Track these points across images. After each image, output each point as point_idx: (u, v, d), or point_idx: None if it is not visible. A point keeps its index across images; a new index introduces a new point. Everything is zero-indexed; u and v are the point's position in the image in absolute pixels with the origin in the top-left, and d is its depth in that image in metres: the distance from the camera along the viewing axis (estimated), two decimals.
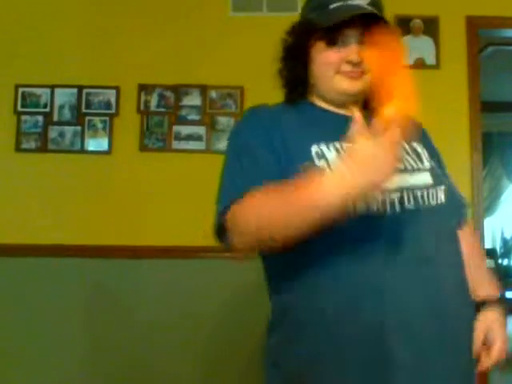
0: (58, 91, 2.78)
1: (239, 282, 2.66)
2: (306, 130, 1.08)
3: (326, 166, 1.01)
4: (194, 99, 2.78)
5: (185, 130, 2.77)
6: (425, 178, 1.07)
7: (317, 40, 1.10)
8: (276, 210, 0.92)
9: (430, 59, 2.81)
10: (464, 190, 2.75)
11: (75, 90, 2.78)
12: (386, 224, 0.96)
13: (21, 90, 2.78)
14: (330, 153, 1.03)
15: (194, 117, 2.78)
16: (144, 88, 2.78)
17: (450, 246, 1.06)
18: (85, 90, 2.78)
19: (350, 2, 1.09)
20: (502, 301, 1.10)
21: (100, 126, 2.77)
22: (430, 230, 1.02)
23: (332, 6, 1.10)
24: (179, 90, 2.78)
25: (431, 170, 1.09)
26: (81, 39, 2.82)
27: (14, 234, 2.70)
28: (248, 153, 1.07)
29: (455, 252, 1.08)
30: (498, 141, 6.44)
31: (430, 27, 2.82)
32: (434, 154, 1.22)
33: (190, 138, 2.76)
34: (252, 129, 1.12)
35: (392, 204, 0.99)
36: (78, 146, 2.76)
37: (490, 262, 4.54)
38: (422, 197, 1.03)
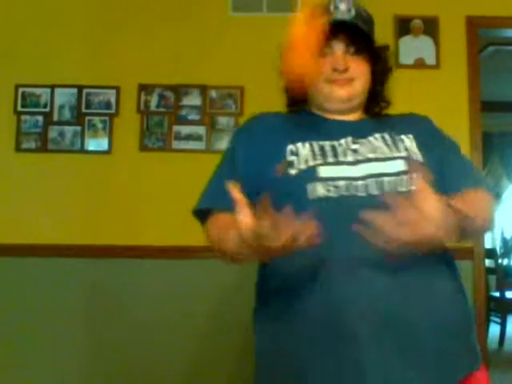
0: (57, 91, 2.78)
1: (239, 282, 2.66)
2: (291, 132, 1.16)
3: (295, 160, 1.10)
4: (194, 99, 2.78)
5: (185, 129, 2.77)
6: (396, 166, 1.09)
7: None
8: (218, 236, 1.07)
9: (430, 59, 2.81)
10: None
11: (75, 90, 2.78)
12: (353, 209, 0.94)
13: (21, 89, 2.78)
14: (304, 149, 1.11)
15: (194, 117, 2.78)
16: (144, 88, 2.78)
17: None
18: (85, 90, 2.78)
19: (334, 17, 1.16)
20: (464, 214, 0.97)
21: (100, 125, 2.78)
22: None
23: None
24: (179, 90, 2.78)
25: (407, 159, 1.10)
26: (81, 39, 2.82)
27: (14, 233, 2.70)
28: (229, 159, 1.20)
29: None
30: (498, 141, 6.44)
31: (430, 27, 2.82)
32: (433, 144, 1.24)
33: (189, 137, 2.76)
34: (241, 136, 1.24)
35: (358, 190, 1.05)
36: (77, 146, 2.76)
37: (490, 262, 4.55)
38: (389, 183, 1.07)
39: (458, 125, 2.79)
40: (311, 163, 1.09)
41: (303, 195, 1.05)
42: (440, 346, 1.01)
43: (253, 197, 0.90)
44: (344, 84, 1.16)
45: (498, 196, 1.19)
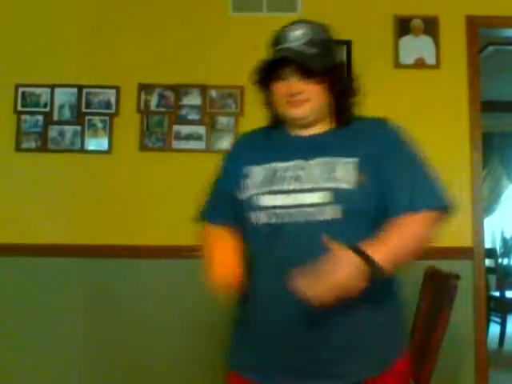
0: (57, 91, 2.78)
1: None
2: (256, 154, 1.38)
3: (249, 183, 1.33)
4: (193, 99, 2.78)
5: (185, 129, 2.77)
6: (321, 197, 1.26)
7: (268, 78, 1.34)
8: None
9: (430, 59, 2.81)
10: (464, 190, 2.76)
11: (75, 90, 2.78)
12: (280, 234, 1.26)
13: (21, 89, 2.78)
14: (256, 173, 1.34)
15: (193, 117, 2.78)
16: (144, 88, 2.78)
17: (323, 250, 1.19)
18: (85, 90, 2.78)
19: (284, 45, 1.32)
20: (370, 261, 1.13)
21: (100, 125, 2.77)
22: (312, 238, 1.23)
23: (275, 49, 1.34)
24: (179, 90, 2.78)
25: (335, 190, 1.26)
26: (81, 39, 2.82)
27: (14, 233, 2.71)
28: (218, 177, 1.48)
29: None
30: (498, 141, 6.44)
31: (430, 27, 2.82)
32: (385, 164, 1.33)
33: (189, 137, 2.76)
34: (227, 156, 1.48)
35: (284, 218, 1.27)
36: (77, 146, 2.76)
37: (490, 262, 4.55)
38: (314, 213, 1.25)
39: (457, 125, 2.79)
40: (257, 191, 1.31)
41: (250, 220, 1.31)
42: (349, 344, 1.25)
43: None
44: (299, 105, 1.31)
45: (447, 207, 1.24)
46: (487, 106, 3.44)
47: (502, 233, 6.54)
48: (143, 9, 2.83)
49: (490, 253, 4.72)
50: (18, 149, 2.76)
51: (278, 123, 1.41)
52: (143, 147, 2.76)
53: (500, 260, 5.29)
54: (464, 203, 2.75)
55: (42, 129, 2.76)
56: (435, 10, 2.83)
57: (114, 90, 2.78)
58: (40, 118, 2.77)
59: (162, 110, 2.78)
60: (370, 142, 1.34)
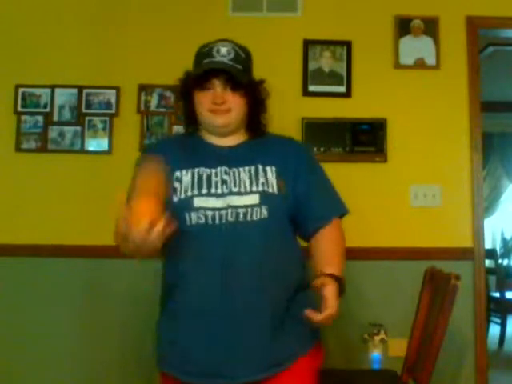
0: (58, 91, 2.78)
1: None
2: (181, 159, 1.47)
3: (178, 187, 1.41)
4: None
5: None
6: (251, 199, 1.40)
7: (194, 87, 1.49)
8: None
9: (430, 59, 2.81)
10: (464, 190, 2.77)
11: (75, 90, 2.78)
12: (212, 234, 1.38)
13: (21, 90, 2.78)
14: (186, 177, 1.43)
15: None
16: (144, 88, 2.78)
17: (252, 248, 1.38)
18: (85, 90, 2.78)
19: (214, 59, 1.49)
20: (339, 280, 1.36)
21: (100, 126, 2.77)
22: (243, 237, 1.38)
23: (204, 62, 1.51)
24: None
25: (262, 193, 1.40)
26: (81, 39, 2.82)
27: (14, 233, 2.71)
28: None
29: (263, 249, 1.39)
30: (498, 141, 6.44)
31: (430, 27, 2.82)
32: (294, 173, 1.48)
33: None
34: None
35: (222, 218, 1.38)
36: (78, 146, 2.76)
37: (490, 263, 4.55)
38: (244, 213, 1.38)
39: (458, 125, 2.79)
40: (189, 193, 1.40)
41: (183, 221, 1.37)
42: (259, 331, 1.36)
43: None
44: (222, 114, 1.44)
45: (346, 212, 1.41)
46: (487, 106, 3.44)
47: (502, 233, 6.55)
48: (143, 9, 2.83)
49: (490, 253, 4.72)
50: (18, 149, 2.76)
51: (192, 131, 1.55)
52: (143, 147, 2.76)
53: (500, 261, 5.30)
54: (464, 203, 2.76)
55: (42, 129, 2.76)
56: (435, 10, 2.83)
57: (114, 91, 2.78)
58: (40, 118, 2.77)
59: (162, 110, 2.78)
60: (286, 154, 1.49)
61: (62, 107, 2.78)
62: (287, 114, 2.76)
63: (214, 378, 1.35)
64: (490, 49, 4.26)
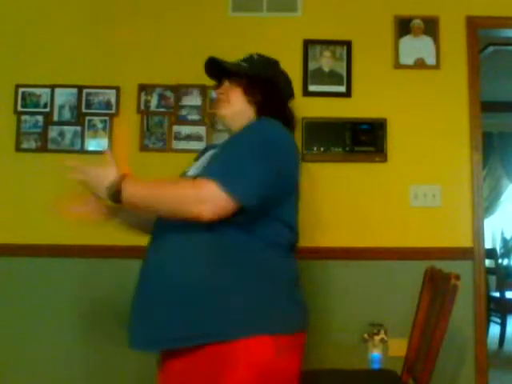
0: (58, 91, 2.78)
1: None
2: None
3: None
4: (193, 99, 2.78)
5: (185, 130, 2.77)
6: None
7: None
8: None
9: (430, 59, 2.81)
10: (464, 190, 2.77)
11: (75, 90, 2.78)
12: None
13: (21, 90, 2.78)
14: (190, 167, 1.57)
15: (193, 117, 2.78)
16: (144, 88, 2.78)
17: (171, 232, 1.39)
18: (85, 90, 2.78)
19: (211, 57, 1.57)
20: (119, 182, 1.35)
21: (100, 126, 2.77)
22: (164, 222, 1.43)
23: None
24: (179, 90, 2.78)
25: (193, 177, 1.43)
26: (81, 39, 2.82)
27: (14, 233, 2.71)
28: None
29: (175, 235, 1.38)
30: (498, 141, 6.44)
31: (430, 27, 2.82)
32: (222, 148, 1.46)
33: (189, 138, 2.76)
34: None
35: None
36: (78, 146, 2.76)
37: (490, 263, 4.55)
38: None
39: (458, 125, 2.79)
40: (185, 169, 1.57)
41: None
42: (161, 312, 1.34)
43: None
44: (218, 107, 1.57)
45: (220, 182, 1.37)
46: (487, 106, 3.44)
47: (502, 233, 6.55)
48: (143, 9, 2.83)
49: (490, 253, 4.72)
50: (18, 149, 2.76)
51: None
52: (143, 147, 2.76)
53: (500, 260, 5.30)
54: (464, 203, 2.76)
55: (42, 129, 2.76)
56: (435, 10, 2.83)
57: (114, 91, 2.78)
58: (40, 118, 2.77)
59: (162, 110, 2.78)
60: (227, 140, 1.49)
61: (61, 107, 2.78)
62: None
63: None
64: (490, 49, 4.26)
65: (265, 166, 1.34)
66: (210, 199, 1.28)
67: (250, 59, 1.61)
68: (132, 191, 1.33)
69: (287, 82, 1.67)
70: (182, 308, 1.31)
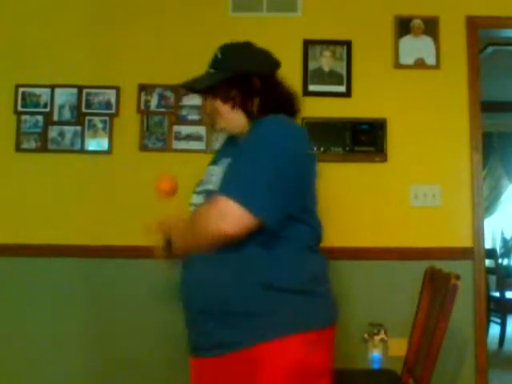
0: (58, 91, 2.78)
1: None
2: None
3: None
4: (193, 99, 2.77)
5: (185, 130, 2.77)
6: (199, 199, 1.49)
7: None
8: None
9: (430, 59, 2.81)
10: (464, 190, 2.77)
11: (75, 90, 2.78)
12: None
13: (21, 90, 2.78)
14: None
15: (194, 117, 2.78)
16: (144, 88, 2.78)
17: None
18: (85, 90, 2.78)
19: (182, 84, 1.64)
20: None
21: (100, 126, 2.77)
22: None
23: None
24: (179, 90, 2.78)
25: (206, 192, 1.45)
26: (81, 39, 2.82)
27: (14, 233, 2.71)
28: None
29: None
30: (498, 141, 6.44)
31: (430, 27, 2.82)
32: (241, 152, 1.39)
33: (189, 137, 2.76)
34: None
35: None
36: (78, 146, 2.76)
37: (490, 263, 4.55)
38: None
39: (458, 125, 2.79)
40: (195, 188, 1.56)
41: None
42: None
43: None
44: (213, 121, 1.56)
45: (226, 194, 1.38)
46: (487, 106, 3.44)
47: (502, 233, 6.54)
48: (143, 9, 2.83)
49: (490, 253, 4.72)
50: (18, 149, 2.76)
51: None
52: (143, 147, 2.76)
53: (500, 260, 5.29)
54: (464, 203, 2.76)
55: (42, 129, 2.76)
56: (435, 10, 2.83)
57: (114, 91, 2.78)
58: (40, 118, 2.77)
59: (162, 110, 2.78)
60: (240, 145, 1.42)
61: (61, 107, 2.78)
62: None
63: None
64: (490, 49, 4.26)
65: (279, 176, 1.30)
66: (228, 214, 1.26)
67: (216, 60, 1.57)
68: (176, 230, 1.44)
69: (263, 58, 1.60)
70: (225, 317, 1.36)
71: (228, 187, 1.30)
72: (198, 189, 1.52)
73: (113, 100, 2.78)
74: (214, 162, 1.54)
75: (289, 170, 1.32)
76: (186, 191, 2.79)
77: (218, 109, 1.50)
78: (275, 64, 1.60)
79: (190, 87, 1.60)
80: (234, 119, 1.51)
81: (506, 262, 6.02)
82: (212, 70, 1.55)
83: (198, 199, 1.50)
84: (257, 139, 1.36)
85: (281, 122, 1.41)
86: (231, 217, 1.25)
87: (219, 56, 1.56)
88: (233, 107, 1.49)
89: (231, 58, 1.56)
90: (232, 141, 1.59)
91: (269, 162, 1.30)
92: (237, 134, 1.54)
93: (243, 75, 1.49)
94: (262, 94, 1.49)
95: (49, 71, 2.81)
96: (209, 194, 1.39)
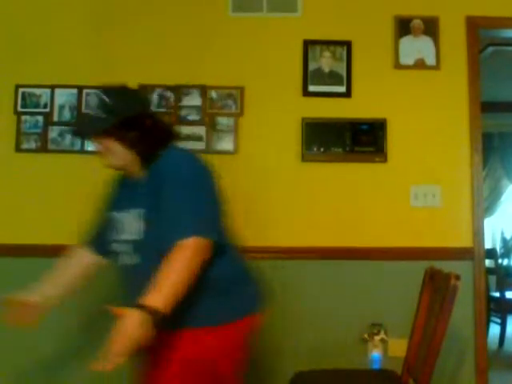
0: (58, 91, 2.78)
1: None
2: (115, 199, 1.79)
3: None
4: (193, 99, 2.78)
5: (185, 130, 2.76)
6: (125, 247, 1.62)
7: None
8: None
9: (430, 59, 2.81)
10: (464, 190, 2.77)
11: (75, 90, 2.78)
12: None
13: (21, 90, 2.78)
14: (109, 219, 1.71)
15: (194, 117, 2.78)
16: (144, 88, 2.78)
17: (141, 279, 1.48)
18: (85, 90, 2.78)
19: (85, 112, 1.75)
20: (149, 311, 1.35)
21: None
22: (130, 278, 1.63)
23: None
24: (179, 90, 2.78)
25: (131, 242, 1.59)
26: (81, 39, 2.82)
27: (14, 233, 2.70)
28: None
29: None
30: (497, 141, 6.44)
31: (430, 27, 2.82)
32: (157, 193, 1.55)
33: (190, 138, 2.76)
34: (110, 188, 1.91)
35: (118, 262, 1.66)
36: (77, 146, 2.76)
37: (490, 263, 4.55)
38: (125, 259, 1.61)
39: (457, 125, 2.79)
40: (111, 238, 1.67)
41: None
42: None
43: None
44: (102, 156, 1.62)
45: (202, 232, 1.33)
46: (487, 107, 3.44)
47: (502, 233, 6.54)
48: (143, 9, 2.83)
49: (490, 253, 4.72)
50: (18, 149, 2.76)
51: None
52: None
53: (500, 260, 5.29)
54: (464, 203, 2.76)
55: (42, 129, 2.76)
56: (435, 10, 2.83)
57: None
58: (40, 118, 2.76)
59: (162, 110, 2.78)
60: (156, 184, 1.53)
61: (61, 107, 2.78)
62: (287, 113, 2.76)
63: None
64: (490, 49, 4.26)
65: (208, 201, 1.55)
66: (200, 248, 1.45)
67: (105, 104, 1.59)
68: (163, 300, 1.38)
69: (143, 98, 1.76)
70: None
71: (184, 230, 1.46)
72: (117, 237, 1.63)
73: None
74: (119, 209, 1.65)
75: (211, 194, 1.57)
76: None
77: (112, 149, 1.58)
78: (149, 102, 1.79)
79: (86, 132, 1.70)
80: (127, 158, 1.60)
81: (506, 262, 6.01)
82: (104, 115, 1.58)
83: (122, 248, 1.61)
84: (176, 177, 1.53)
85: (186, 156, 1.62)
86: (204, 248, 1.46)
87: (108, 101, 1.59)
88: (128, 146, 1.57)
89: (120, 101, 1.62)
90: (128, 183, 1.68)
91: (196, 194, 1.52)
92: (129, 171, 1.64)
93: (135, 117, 1.60)
94: (153, 131, 1.62)
95: (49, 71, 2.81)
96: (137, 245, 1.56)
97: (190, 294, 1.45)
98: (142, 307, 1.35)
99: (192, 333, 1.55)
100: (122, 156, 1.60)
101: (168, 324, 1.41)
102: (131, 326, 1.35)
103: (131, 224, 1.58)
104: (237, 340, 1.61)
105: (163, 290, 1.39)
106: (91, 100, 1.73)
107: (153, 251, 1.51)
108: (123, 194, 1.71)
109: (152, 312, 1.35)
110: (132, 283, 1.60)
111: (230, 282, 1.62)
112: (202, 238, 1.45)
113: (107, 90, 1.62)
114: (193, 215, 1.49)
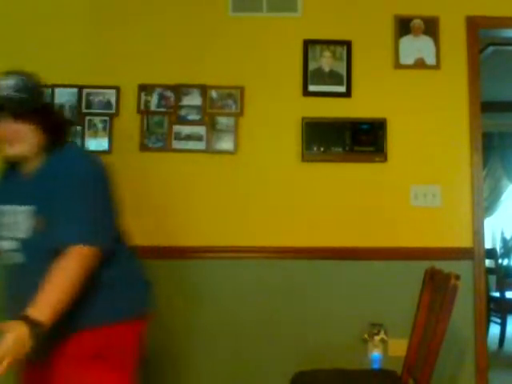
0: (57, 91, 2.78)
1: (237, 282, 2.66)
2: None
3: None
4: (194, 99, 2.78)
5: (185, 129, 2.77)
6: (11, 245, 1.54)
7: None
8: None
9: (430, 59, 2.81)
10: (464, 190, 2.77)
11: (75, 90, 2.78)
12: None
13: None
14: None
15: (194, 117, 2.78)
16: (144, 88, 2.78)
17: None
18: (85, 90, 2.78)
19: None
20: (33, 324, 1.33)
21: (100, 125, 2.77)
22: (14, 278, 1.57)
23: None
24: (179, 90, 2.78)
25: (17, 240, 1.52)
26: (81, 39, 2.82)
27: None
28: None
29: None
30: (497, 141, 6.44)
31: (430, 27, 2.82)
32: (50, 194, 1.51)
33: (189, 138, 2.76)
34: None
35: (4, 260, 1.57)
36: None
37: (490, 263, 4.55)
38: (10, 258, 1.54)
39: (457, 125, 2.79)
40: None
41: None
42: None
43: None
44: (12, 144, 1.54)
45: (90, 241, 1.44)
46: (487, 106, 3.44)
47: (502, 233, 6.54)
48: (143, 9, 2.83)
49: (490, 253, 4.72)
50: None
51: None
52: (143, 147, 2.76)
53: (500, 260, 5.29)
54: (464, 203, 2.76)
55: None
56: (435, 10, 2.83)
57: (113, 91, 2.78)
58: None
59: (162, 110, 2.78)
60: (49, 182, 1.51)
61: (61, 107, 2.78)
62: (287, 113, 2.76)
63: None
64: (490, 49, 4.26)
65: (101, 208, 1.55)
66: (85, 257, 1.45)
67: (27, 86, 1.62)
68: (47, 312, 1.37)
69: (39, 90, 1.69)
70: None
71: (72, 236, 1.45)
72: (4, 234, 1.56)
73: (113, 100, 2.78)
74: (4, 202, 1.58)
75: (105, 197, 1.57)
76: (186, 191, 2.79)
77: (22, 134, 1.53)
78: (44, 95, 1.73)
79: (11, 110, 1.56)
80: (33, 146, 1.55)
81: (505, 262, 6.02)
82: (28, 97, 1.57)
83: (7, 245, 1.54)
84: (70, 178, 1.50)
85: (83, 156, 1.62)
86: (90, 257, 1.46)
87: (29, 84, 1.62)
88: (41, 133, 1.54)
89: (40, 86, 1.65)
90: (15, 175, 1.62)
91: (89, 197, 1.51)
92: (26, 162, 1.58)
93: (48, 104, 1.62)
94: (59, 119, 1.64)
95: (49, 71, 2.80)
96: (24, 243, 1.50)
97: (77, 296, 1.44)
98: (25, 319, 1.34)
99: (77, 334, 1.52)
100: (30, 142, 1.55)
101: (55, 330, 1.39)
102: (12, 341, 1.31)
103: (19, 221, 1.53)
104: (124, 340, 1.59)
105: (47, 301, 1.38)
106: (9, 81, 1.66)
107: (40, 251, 1.48)
108: (9, 186, 1.65)
109: (35, 325, 1.34)
110: (17, 283, 1.56)
111: (119, 283, 1.62)
112: (88, 247, 1.45)
113: (27, 74, 1.65)
114: (83, 220, 1.48)
